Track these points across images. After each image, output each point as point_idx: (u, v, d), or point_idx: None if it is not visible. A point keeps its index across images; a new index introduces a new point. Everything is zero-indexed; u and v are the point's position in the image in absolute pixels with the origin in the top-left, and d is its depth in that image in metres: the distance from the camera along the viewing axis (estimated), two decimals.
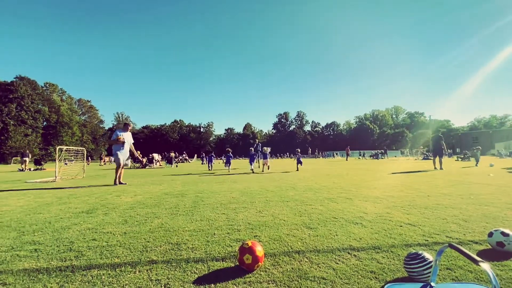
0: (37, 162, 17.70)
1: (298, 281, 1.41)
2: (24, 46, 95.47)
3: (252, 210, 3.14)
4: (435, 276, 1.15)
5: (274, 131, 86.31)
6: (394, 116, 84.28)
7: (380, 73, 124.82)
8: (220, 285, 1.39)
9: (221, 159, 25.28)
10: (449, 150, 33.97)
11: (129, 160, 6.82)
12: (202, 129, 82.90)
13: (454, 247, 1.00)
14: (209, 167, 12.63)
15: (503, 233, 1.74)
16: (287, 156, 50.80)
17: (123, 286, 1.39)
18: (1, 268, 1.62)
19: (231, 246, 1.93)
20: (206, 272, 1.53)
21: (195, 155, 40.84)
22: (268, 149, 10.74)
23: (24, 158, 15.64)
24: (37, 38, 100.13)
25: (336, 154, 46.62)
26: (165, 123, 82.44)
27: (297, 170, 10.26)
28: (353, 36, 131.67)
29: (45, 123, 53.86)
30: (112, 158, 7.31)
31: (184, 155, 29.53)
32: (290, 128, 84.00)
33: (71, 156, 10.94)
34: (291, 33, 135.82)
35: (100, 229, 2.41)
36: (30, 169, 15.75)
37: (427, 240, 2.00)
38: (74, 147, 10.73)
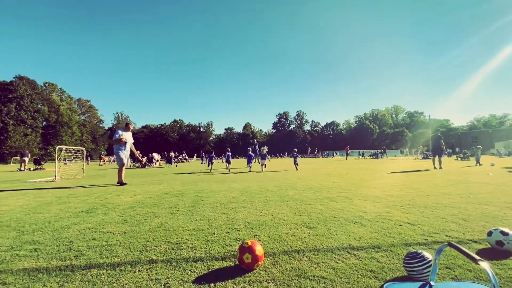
0: (37, 162, 17.65)
1: (297, 280, 1.42)
2: (24, 46, 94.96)
3: (251, 209, 3.14)
4: (434, 275, 1.15)
5: (273, 131, 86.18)
6: (393, 115, 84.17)
7: (380, 73, 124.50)
8: (220, 284, 1.39)
9: (221, 158, 25.40)
10: (448, 150, 33.97)
11: (129, 159, 6.79)
12: (201, 129, 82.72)
13: (454, 246, 1.00)
14: (209, 167, 12.62)
15: (502, 232, 1.74)
16: (286, 156, 50.80)
17: (123, 285, 1.39)
18: (1, 267, 1.62)
19: (231, 246, 1.93)
20: (206, 272, 1.53)
21: (195, 154, 40.79)
22: (265, 149, 10.78)
23: (24, 158, 15.63)
24: (37, 38, 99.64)
25: (336, 153, 46.58)
26: (165, 123, 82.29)
27: (297, 169, 10.28)
28: (353, 36, 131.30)
29: (44, 122, 53.69)
30: (112, 158, 7.29)
31: (183, 154, 29.49)
32: (290, 128, 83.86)
33: (71, 155, 10.93)
34: (291, 33, 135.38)
35: (100, 229, 2.41)
36: (29, 169, 15.72)
37: (427, 239, 2.01)
38: (73, 147, 10.73)
